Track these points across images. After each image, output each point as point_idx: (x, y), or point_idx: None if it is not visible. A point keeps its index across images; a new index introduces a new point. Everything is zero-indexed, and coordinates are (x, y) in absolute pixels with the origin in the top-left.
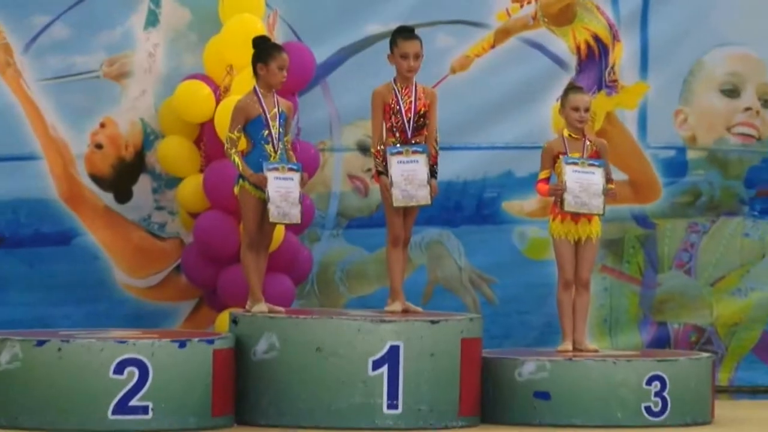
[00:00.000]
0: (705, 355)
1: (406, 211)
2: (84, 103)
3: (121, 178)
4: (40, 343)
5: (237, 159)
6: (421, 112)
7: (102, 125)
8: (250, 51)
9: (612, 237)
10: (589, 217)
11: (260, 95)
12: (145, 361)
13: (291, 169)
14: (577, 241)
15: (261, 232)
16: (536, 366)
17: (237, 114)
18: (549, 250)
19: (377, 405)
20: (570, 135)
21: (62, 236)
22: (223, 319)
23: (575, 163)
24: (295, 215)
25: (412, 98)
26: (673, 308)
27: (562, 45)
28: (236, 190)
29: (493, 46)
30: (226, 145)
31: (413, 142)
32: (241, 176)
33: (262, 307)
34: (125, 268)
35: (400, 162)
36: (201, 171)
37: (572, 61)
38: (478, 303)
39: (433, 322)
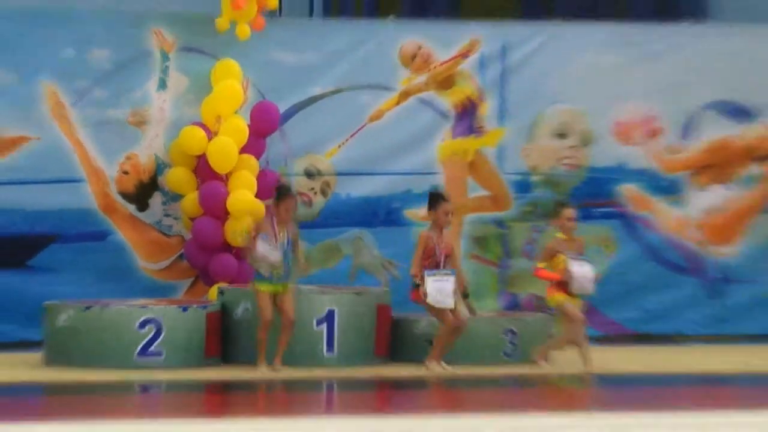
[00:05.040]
0: (543, 315)
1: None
2: (115, 142)
3: (141, 194)
4: (87, 308)
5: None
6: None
7: (128, 158)
8: (234, 104)
9: (479, 235)
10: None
11: (273, 221)
12: (160, 320)
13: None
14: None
15: (280, 314)
16: (427, 322)
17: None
18: None
19: (319, 350)
20: (563, 237)
21: (100, 234)
22: (213, 291)
23: (576, 260)
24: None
25: (443, 244)
26: (521, 283)
27: (446, 103)
28: (251, 287)
29: (398, 103)
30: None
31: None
32: (256, 278)
33: (263, 369)
34: (144, 257)
35: (435, 280)
36: (196, 189)
37: (452, 114)
38: (388, 281)
39: (357, 294)
